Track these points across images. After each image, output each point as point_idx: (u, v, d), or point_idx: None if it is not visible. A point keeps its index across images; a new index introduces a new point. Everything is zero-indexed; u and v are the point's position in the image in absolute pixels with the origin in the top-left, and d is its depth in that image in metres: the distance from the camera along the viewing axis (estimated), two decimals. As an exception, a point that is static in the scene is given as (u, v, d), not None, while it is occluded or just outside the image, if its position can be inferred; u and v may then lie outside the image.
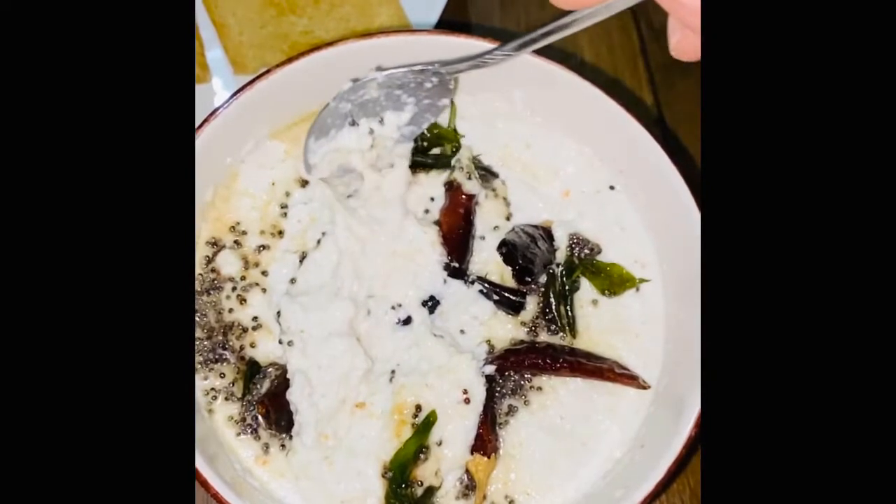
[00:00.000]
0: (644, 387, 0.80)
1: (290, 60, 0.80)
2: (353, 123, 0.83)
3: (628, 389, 0.81)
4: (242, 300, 0.82)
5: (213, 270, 0.83)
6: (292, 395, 0.77)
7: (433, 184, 0.85)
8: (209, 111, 0.80)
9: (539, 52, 0.80)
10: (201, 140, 0.78)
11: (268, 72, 0.80)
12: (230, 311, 0.82)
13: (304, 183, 0.86)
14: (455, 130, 0.87)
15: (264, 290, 0.83)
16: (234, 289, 0.83)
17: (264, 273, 0.83)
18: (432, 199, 0.85)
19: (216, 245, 0.84)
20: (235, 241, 0.84)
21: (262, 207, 0.85)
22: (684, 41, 0.60)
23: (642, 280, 0.84)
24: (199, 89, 1.01)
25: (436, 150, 0.88)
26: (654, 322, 0.83)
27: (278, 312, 0.80)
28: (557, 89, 0.83)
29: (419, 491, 0.77)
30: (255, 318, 0.82)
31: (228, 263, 0.83)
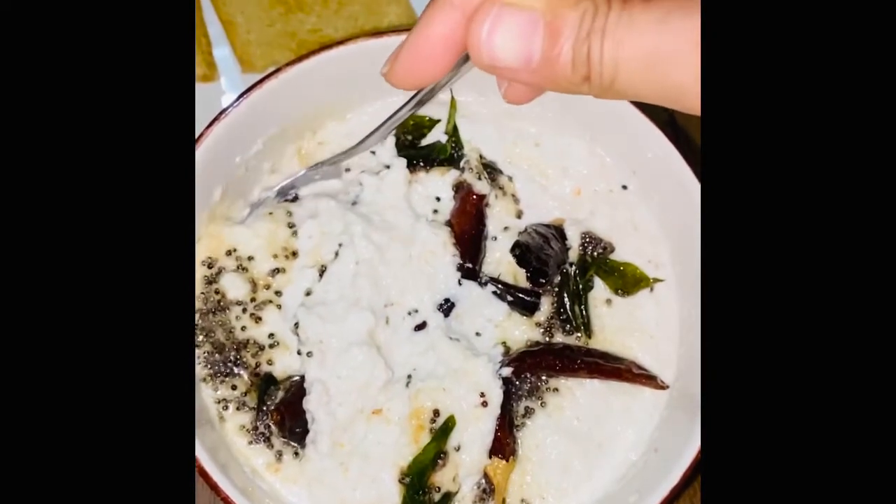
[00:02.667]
0: (662, 387, 0.80)
1: (299, 59, 0.80)
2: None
3: (643, 391, 0.80)
4: (257, 319, 0.81)
5: (216, 292, 0.81)
6: (309, 404, 0.76)
7: (436, 183, 0.85)
8: (217, 110, 0.79)
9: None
10: (210, 139, 0.77)
11: (278, 70, 0.79)
12: (243, 328, 0.80)
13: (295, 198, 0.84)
14: (455, 128, 0.86)
15: (279, 307, 0.81)
16: (244, 310, 0.81)
17: (278, 293, 0.82)
18: (438, 198, 0.84)
19: (212, 266, 0.81)
20: (241, 267, 0.81)
21: (268, 236, 0.82)
22: (511, 90, 0.64)
23: (656, 280, 0.83)
24: (207, 88, 1.00)
25: (425, 141, 0.87)
26: (669, 323, 0.82)
27: (296, 324, 0.79)
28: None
29: (436, 497, 0.76)
30: (271, 335, 0.80)
31: (235, 287, 0.81)
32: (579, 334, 0.82)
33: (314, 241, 0.82)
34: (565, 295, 0.82)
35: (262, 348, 0.80)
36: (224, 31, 1.03)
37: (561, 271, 0.83)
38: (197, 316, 0.80)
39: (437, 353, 0.78)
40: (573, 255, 0.84)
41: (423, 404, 0.77)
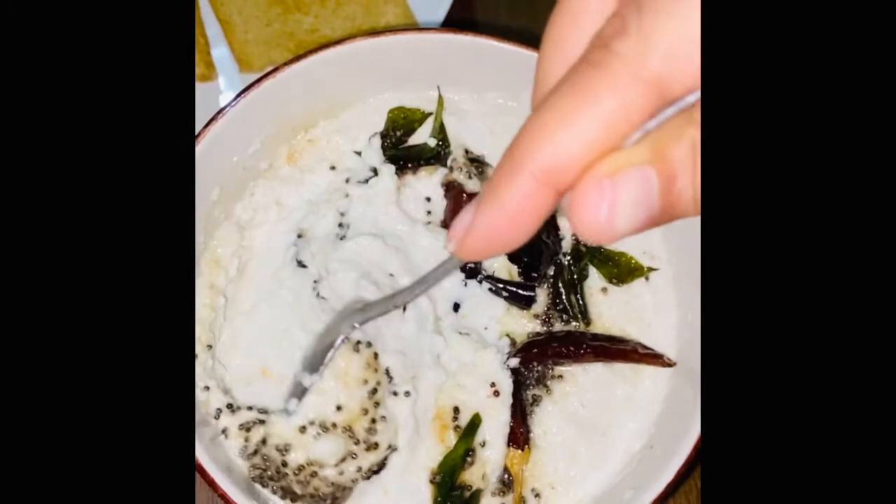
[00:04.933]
0: (669, 364, 0.80)
1: (297, 59, 0.80)
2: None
3: (644, 380, 0.80)
4: (374, 446, 0.74)
5: (304, 468, 0.74)
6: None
7: (424, 183, 0.85)
8: (215, 110, 0.79)
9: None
10: (208, 139, 0.77)
11: (275, 70, 0.80)
12: (358, 469, 0.74)
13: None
14: (442, 125, 0.86)
15: (384, 418, 0.75)
16: (353, 456, 0.74)
17: (377, 404, 0.76)
18: (428, 199, 0.84)
19: (287, 450, 0.74)
20: (328, 425, 0.74)
21: (341, 378, 0.74)
22: None
23: (650, 269, 0.83)
24: (205, 88, 1.01)
25: (412, 139, 0.87)
26: (666, 312, 0.83)
27: (387, 370, 0.76)
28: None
29: (466, 495, 0.77)
30: (390, 447, 0.75)
31: (329, 451, 0.73)
32: (577, 323, 0.82)
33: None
34: (560, 285, 0.82)
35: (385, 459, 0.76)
36: (222, 30, 1.03)
37: (554, 262, 0.83)
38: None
39: (449, 351, 0.79)
40: (566, 245, 0.84)
41: (443, 403, 0.77)
